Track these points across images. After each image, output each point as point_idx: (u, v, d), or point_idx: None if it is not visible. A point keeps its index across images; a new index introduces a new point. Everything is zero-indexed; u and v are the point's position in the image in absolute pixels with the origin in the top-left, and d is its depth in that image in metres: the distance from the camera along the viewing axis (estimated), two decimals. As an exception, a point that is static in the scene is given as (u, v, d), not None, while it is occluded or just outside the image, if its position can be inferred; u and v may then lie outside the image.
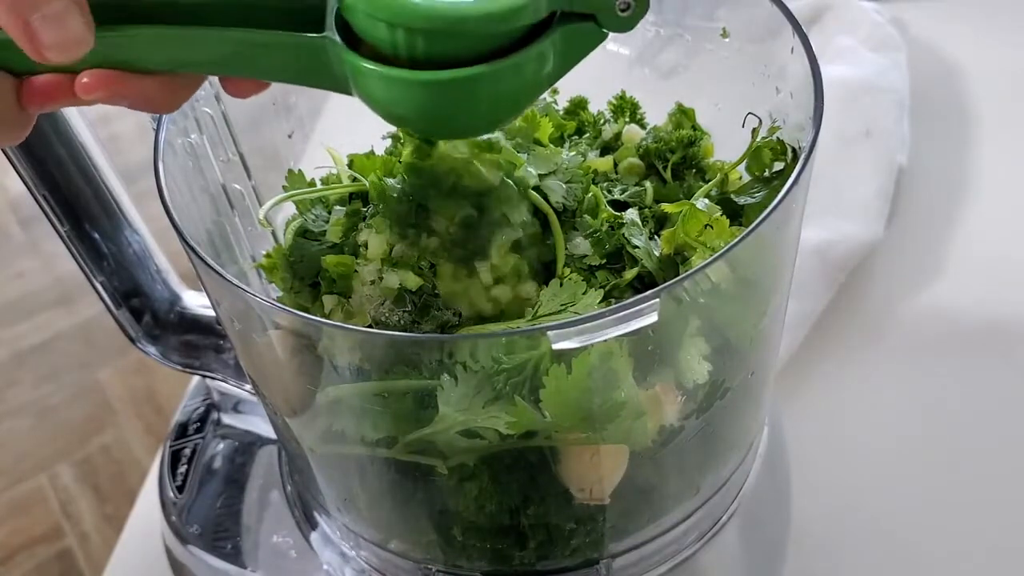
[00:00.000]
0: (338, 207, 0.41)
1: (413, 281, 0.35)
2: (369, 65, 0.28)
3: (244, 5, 0.29)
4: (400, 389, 0.32)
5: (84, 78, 0.28)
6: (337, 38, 0.28)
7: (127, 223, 0.47)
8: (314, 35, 0.28)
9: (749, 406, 0.40)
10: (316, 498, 0.44)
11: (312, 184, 0.43)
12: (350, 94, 0.30)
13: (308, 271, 0.39)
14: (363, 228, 0.37)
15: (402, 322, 0.35)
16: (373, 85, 0.28)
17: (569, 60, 0.30)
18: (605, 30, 0.29)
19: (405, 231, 0.36)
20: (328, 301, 0.37)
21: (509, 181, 0.36)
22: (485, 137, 0.36)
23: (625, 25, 0.29)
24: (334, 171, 0.44)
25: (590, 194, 0.39)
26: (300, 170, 0.42)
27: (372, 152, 0.44)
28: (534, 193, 0.37)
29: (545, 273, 0.37)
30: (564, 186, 0.38)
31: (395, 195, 0.36)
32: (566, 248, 0.37)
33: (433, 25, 0.26)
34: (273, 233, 0.44)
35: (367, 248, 0.37)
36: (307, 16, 0.29)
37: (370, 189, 0.37)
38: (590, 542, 0.38)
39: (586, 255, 0.37)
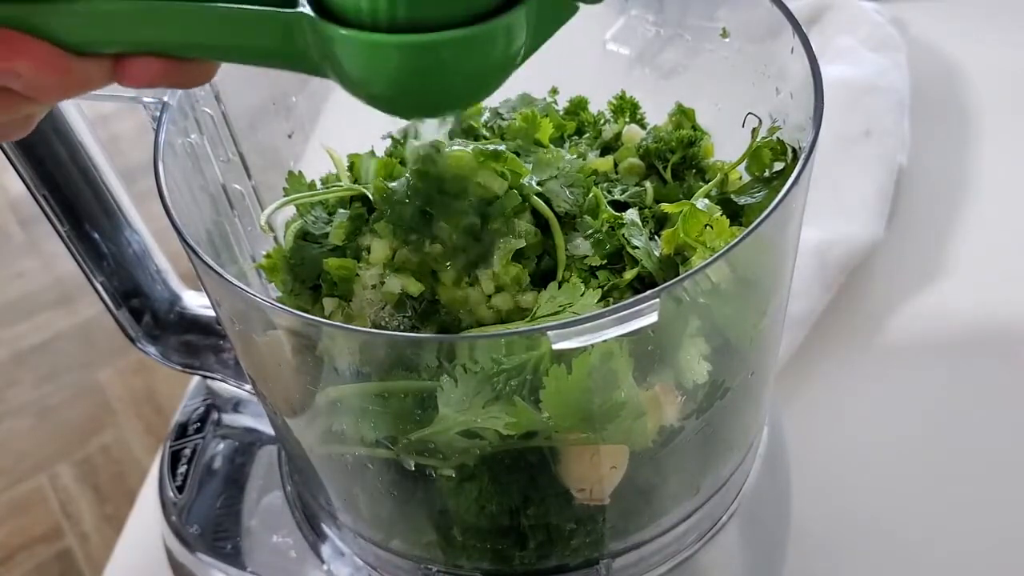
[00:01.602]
0: (341, 210, 0.41)
1: (414, 286, 0.35)
2: (345, 31, 0.27)
3: None
4: (400, 390, 0.32)
5: (128, 61, 0.28)
6: (311, 11, 0.28)
7: (127, 223, 0.47)
8: (287, 10, 0.28)
9: (749, 406, 0.40)
10: (316, 498, 0.44)
11: (312, 185, 0.43)
12: (322, 74, 0.29)
13: (309, 274, 0.39)
14: (366, 232, 0.37)
15: (402, 327, 0.35)
16: (347, 55, 0.28)
17: (541, 33, 0.30)
18: (577, 2, 0.29)
19: (408, 236, 0.36)
20: (328, 304, 0.37)
21: (514, 191, 0.36)
22: (491, 147, 0.36)
23: None
24: (334, 171, 0.44)
25: (590, 195, 0.39)
26: (300, 171, 0.42)
27: (372, 153, 0.44)
28: (536, 199, 0.37)
29: (545, 283, 0.37)
30: (566, 190, 0.38)
31: (399, 200, 0.36)
32: (566, 249, 0.37)
33: None
34: (269, 225, 0.44)
35: (369, 252, 0.37)
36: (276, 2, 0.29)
37: (374, 192, 0.37)
38: (590, 542, 0.38)
39: (587, 256, 0.37)
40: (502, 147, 0.37)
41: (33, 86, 0.28)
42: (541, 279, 0.36)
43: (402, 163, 0.44)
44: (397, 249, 0.36)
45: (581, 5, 0.30)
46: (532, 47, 0.30)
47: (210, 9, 0.28)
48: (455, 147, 0.36)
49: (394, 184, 0.37)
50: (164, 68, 0.28)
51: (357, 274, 0.36)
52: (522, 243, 0.36)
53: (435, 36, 0.27)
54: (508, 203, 0.36)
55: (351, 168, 0.44)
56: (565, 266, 0.36)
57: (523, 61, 0.30)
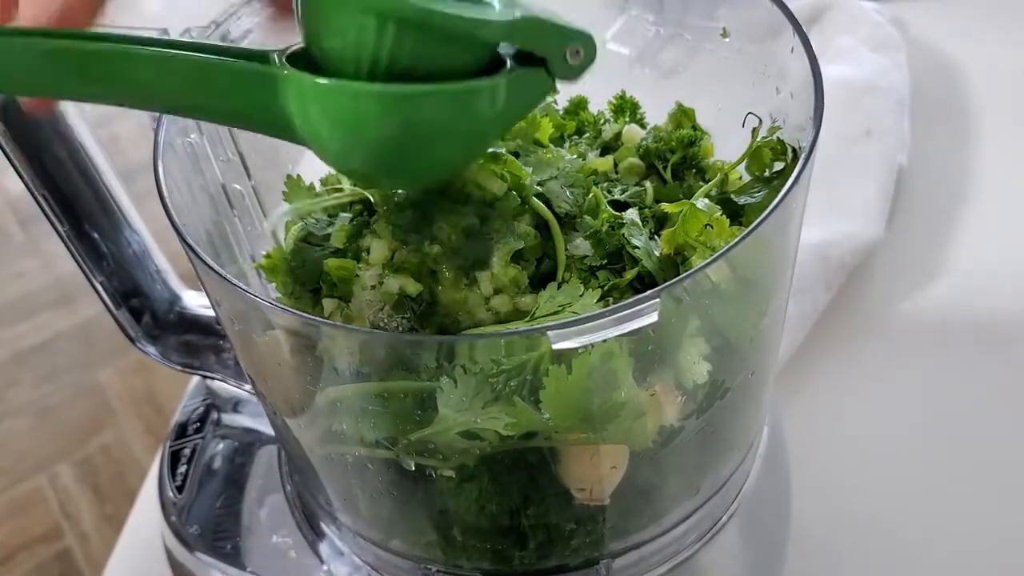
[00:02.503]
0: (343, 213, 0.41)
1: (413, 287, 0.35)
2: (324, 81, 0.27)
3: (194, 47, 0.29)
4: (399, 390, 0.32)
5: None
6: (288, 66, 0.28)
7: (127, 223, 0.47)
8: (265, 64, 0.28)
9: (749, 406, 0.40)
10: (316, 498, 0.44)
11: (311, 187, 0.43)
12: (292, 138, 0.29)
13: (310, 277, 0.39)
14: (367, 233, 0.37)
15: (401, 328, 0.35)
16: (322, 110, 0.28)
17: (518, 108, 0.31)
18: (555, 77, 0.30)
19: (407, 237, 0.36)
20: (328, 305, 0.37)
21: (513, 193, 0.36)
22: (491, 150, 0.36)
23: (572, 73, 0.31)
24: (334, 172, 0.44)
25: (590, 195, 0.39)
26: (299, 175, 0.42)
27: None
28: (536, 201, 0.37)
29: (545, 285, 0.37)
30: (567, 190, 0.38)
31: (399, 200, 0.36)
32: (566, 249, 0.37)
33: (404, 14, 0.26)
34: (274, 234, 0.44)
35: (369, 253, 0.37)
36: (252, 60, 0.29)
37: (374, 193, 0.37)
38: (590, 542, 0.38)
39: (587, 255, 0.37)
40: (501, 149, 0.37)
41: None
42: (541, 281, 0.36)
43: None
44: (396, 250, 0.36)
45: (559, 85, 0.31)
46: (509, 119, 0.31)
47: (188, 59, 0.28)
48: None
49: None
50: None
51: (357, 275, 0.36)
52: (520, 244, 0.36)
53: (413, 88, 0.27)
54: (507, 205, 0.36)
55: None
56: (565, 267, 0.36)
57: (502, 132, 0.31)
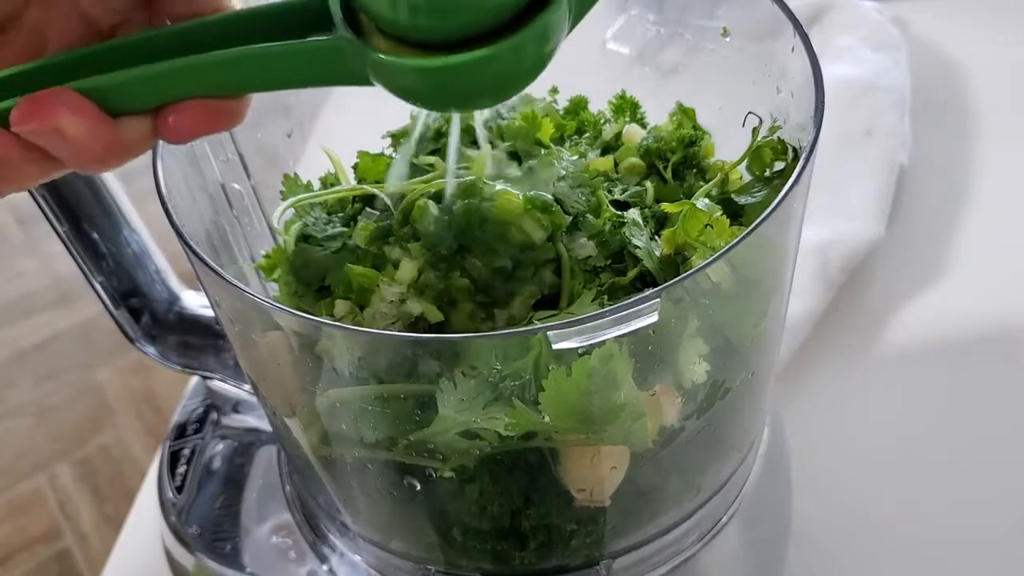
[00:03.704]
0: (368, 209, 0.41)
1: (434, 315, 0.35)
2: (380, 56, 0.28)
3: (241, 21, 0.29)
4: (399, 391, 0.32)
5: (171, 117, 0.27)
6: (349, 34, 0.28)
7: (126, 223, 0.47)
8: (327, 37, 0.28)
9: (749, 406, 0.40)
10: (316, 498, 0.44)
11: (309, 186, 0.43)
12: (369, 84, 0.30)
13: (313, 276, 0.39)
14: (393, 243, 0.37)
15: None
16: (385, 74, 0.28)
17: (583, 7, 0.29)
18: None
19: (438, 264, 0.36)
20: (341, 307, 0.37)
21: (550, 244, 0.36)
22: (542, 196, 0.36)
23: None
24: (333, 171, 0.44)
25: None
26: (296, 174, 0.42)
27: (382, 154, 0.44)
28: (562, 247, 0.37)
29: (545, 305, 0.37)
30: (577, 191, 0.38)
31: (440, 228, 0.36)
32: (569, 250, 0.37)
33: None
34: (273, 233, 0.44)
35: (395, 266, 0.37)
36: (305, 18, 0.29)
37: (414, 211, 0.37)
38: (590, 543, 0.38)
39: (590, 256, 0.37)
40: (550, 197, 0.37)
41: (78, 151, 0.27)
42: (541, 302, 0.37)
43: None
44: (423, 271, 0.36)
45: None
46: (575, 21, 0.29)
47: (251, 52, 0.28)
48: (505, 187, 0.37)
49: (436, 209, 0.37)
50: (207, 116, 0.28)
51: (378, 285, 0.36)
52: (541, 294, 0.36)
53: (461, 58, 0.27)
54: (542, 255, 0.36)
55: (356, 169, 0.44)
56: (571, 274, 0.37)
57: (569, 32, 0.30)
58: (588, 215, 0.38)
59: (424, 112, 0.42)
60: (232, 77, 0.29)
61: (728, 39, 0.42)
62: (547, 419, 0.31)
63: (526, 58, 0.28)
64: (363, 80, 0.29)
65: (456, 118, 0.38)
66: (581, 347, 0.28)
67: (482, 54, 0.27)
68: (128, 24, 0.29)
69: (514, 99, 0.47)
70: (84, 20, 0.29)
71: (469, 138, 0.44)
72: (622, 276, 0.37)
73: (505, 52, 0.27)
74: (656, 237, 0.38)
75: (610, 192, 0.40)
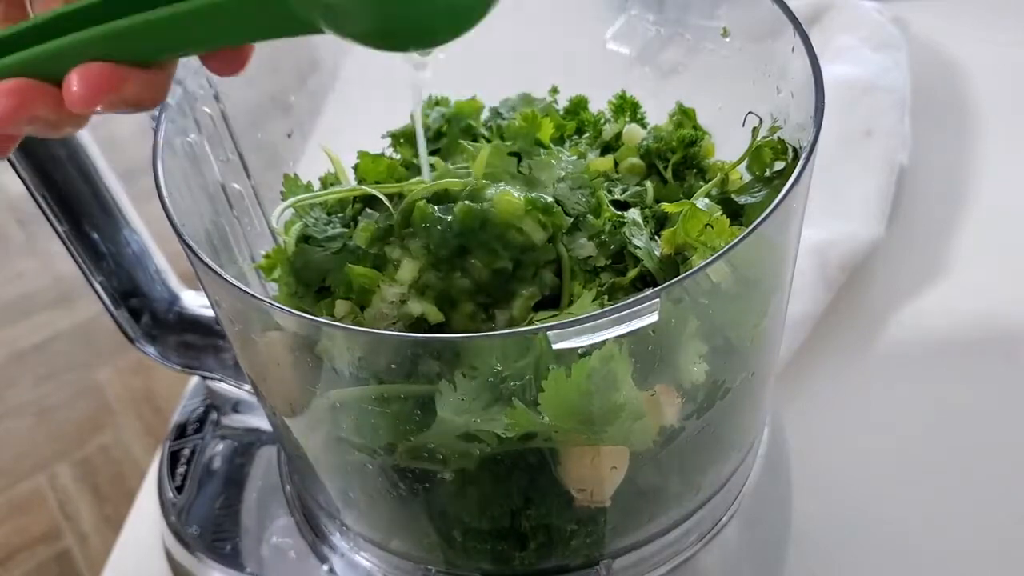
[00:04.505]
0: (368, 209, 0.41)
1: (434, 316, 0.35)
2: None
3: None
4: (399, 392, 0.32)
5: (75, 85, 0.27)
6: None
7: (126, 223, 0.47)
8: None
9: (749, 406, 0.40)
10: (316, 499, 0.44)
11: (309, 186, 0.43)
12: (318, 30, 0.28)
13: (313, 277, 0.39)
14: (393, 243, 0.37)
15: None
16: (325, 5, 0.27)
17: None
18: None
19: (440, 265, 0.36)
20: (341, 307, 0.37)
21: (550, 245, 0.36)
22: (543, 198, 0.36)
23: None
24: (333, 171, 0.44)
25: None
26: (295, 174, 0.42)
27: (382, 154, 0.44)
28: (562, 248, 0.37)
29: (546, 305, 0.37)
30: (577, 191, 0.38)
31: (442, 228, 0.36)
32: (570, 250, 0.37)
33: None
34: (273, 233, 0.44)
35: (395, 267, 0.37)
36: None
37: (415, 212, 0.37)
38: (590, 543, 0.38)
39: (591, 256, 0.37)
40: (551, 198, 0.37)
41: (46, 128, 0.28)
42: (542, 302, 0.37)
43: (404, 166, 0.44)
44: (424, 271, 0.36)
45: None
46: None
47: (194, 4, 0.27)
48: (506, 189, 0.37)
49: (438, 210, 0.37)
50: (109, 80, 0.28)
51: (379, 286, 0.36)
52: (541, 295, 0.36)
53: None
54: (543, 255, 0.36)
55: (356, 170, 0.44)
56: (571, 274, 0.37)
57: None
58: (588, 215, 0.38)
59: (420, 108, 0.42)
60: (191, 32, 0.28)
61: (728, 39, 0.42)
62: (547, 420, 0.31)
63: None
64: (310, 25, 0.28)
65: (418, 96, 0.36)
66: (581, 347, 0.28)
67: None
68: None
69: (514, 99, 0.47)
70: None
71: (469, 136, 0.44)
72: (622, 276, 0.37)
73: None
74: (656, 237, 0.38)
75: (610, 192, 0.40)
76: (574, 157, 0.40)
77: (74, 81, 0.27)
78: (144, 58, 0.28)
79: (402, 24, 0.27)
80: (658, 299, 0.27)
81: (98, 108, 0.28)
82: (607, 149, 0.44)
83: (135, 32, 0.28)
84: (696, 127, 0.43)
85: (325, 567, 0.45)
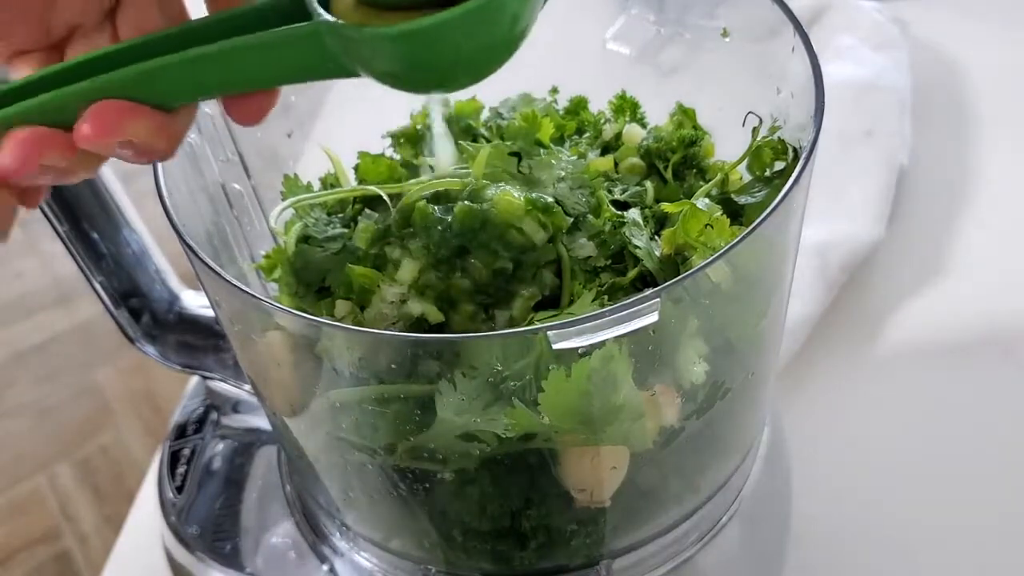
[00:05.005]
0: (368, 210, 0.41)
1: (434, 315, 0.35)
2: (345, 26, 0.27)
3: (224, 22, 0.29)
4: (400, 392, 0.32)
5: (86, 120, 0.27)
6: (327, 15, 0.28)
7: (126, 223, 0.47)
8: (305, 23, 0.28)
9: (749, 407, 0.40)
10: (316, 499, 0.44)
11: (309, 186, 0.43)
12: (355, 75, 0.29)
13: (313, 277, 0.39)
14: (394, 243, 0.37)
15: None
16: (357, 51, 0.27)
17: None
18: None
19: (440, 265, 0.36)
20: (341, 307, 0.37)
21: (550, 245, 0.36)
22: (541, 196, 0.36)
23: None
24: (333, 171, 0.44)
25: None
26: (295, 174, 0.42)
27: (382, 154, 0.44)
28: (562, 248, 0.37)
29: (546, 306, 0.37)
30: (577, 191, 0.38)
31: (440, 228, 0.36)
32: (570, 250, 0.37)
33: None
34: (273, 233, 0.44)
35: (395, 267, 0.37)
36: (280, 18, 0.29)
37: (415, 213, 0.37)
38: (590, 543, 0.38)
39: (590, 256, 0.37)
40: (551, 199, 0.37)
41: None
42: (542, 303, 0.37)
43: (404, 166, 0.44)
44: (424, 272, 0.36)
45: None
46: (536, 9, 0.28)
47: (237, 46, 0.28)
48: (506, 189, 0.36)
49: (438, 210, 0.37)
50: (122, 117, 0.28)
51: (379, 286, 0.36)
52: (541, 295, 0.36)
53: (430, 20, 0.26)
54: (542, 255, 0.36)
55: (357, 170, 0.44)
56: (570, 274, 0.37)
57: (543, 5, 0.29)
58: (588, 215, 0.38)
59: (419, 102, 0.42)
60: (220, 72, 0.28)
61: (728, 39, 0.42)
62: (547, 420, 0.31)
63: (498, 22, 0.27)
64: (345, 69, 0.28)
65: (437, 113, 0.37)
66: (581, 347, 0.28)
67: (447, 16, 0.26)
68: (82, 32, 0.29)
69: (514, 99, 0.47)
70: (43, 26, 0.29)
71: (469, 136, 0.44)
72: (622, 276, 0.37)
73: (472, 14, 0.26)
74: (656, 237, 0.38)
75: (610, 192, 0.40)
76: (574, 157, 0.40)
77: (86, 117, 0.27)
78: (168, 99, 0.29)
79: (427, 73, 0.28)
80: (658, 299, 0.27)
81: (108, 143, 0.27)
82: (607, 149, 0.44)
83: (162, 71, 0.28)
84: (696, 127, 0.43)
85: (325, 567, 0.45)
